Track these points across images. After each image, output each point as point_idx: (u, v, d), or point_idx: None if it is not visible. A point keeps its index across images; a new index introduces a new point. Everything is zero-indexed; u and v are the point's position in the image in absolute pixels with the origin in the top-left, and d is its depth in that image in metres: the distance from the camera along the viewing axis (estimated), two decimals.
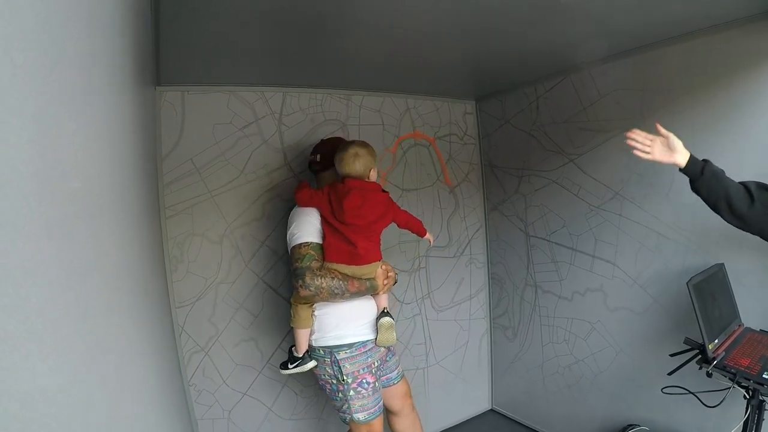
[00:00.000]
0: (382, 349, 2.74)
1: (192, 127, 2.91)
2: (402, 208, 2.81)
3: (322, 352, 2.63)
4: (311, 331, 2.65)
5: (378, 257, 2.65)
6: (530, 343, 3.93)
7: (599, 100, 3.14)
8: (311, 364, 2.67)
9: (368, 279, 2.60)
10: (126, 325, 0.90)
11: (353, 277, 2.54)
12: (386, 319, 2.67)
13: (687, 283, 2.16)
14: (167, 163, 2.85)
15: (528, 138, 3.70)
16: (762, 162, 2.42)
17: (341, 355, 2.59)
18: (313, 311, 2.64)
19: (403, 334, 3.78)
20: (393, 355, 2.91)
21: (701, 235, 2.68)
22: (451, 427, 4.14)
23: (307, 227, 2.56)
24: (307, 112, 3.30)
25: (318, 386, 3.23)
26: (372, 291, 2.62)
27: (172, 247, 2.88)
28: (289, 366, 2.71)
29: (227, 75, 2.87)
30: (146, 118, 1.98)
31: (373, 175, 2.64)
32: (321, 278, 2.45)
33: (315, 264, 2.48)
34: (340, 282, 2.49)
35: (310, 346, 2.68)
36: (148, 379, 1.15)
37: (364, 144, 2.63)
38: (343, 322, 2.62)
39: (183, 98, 2.88)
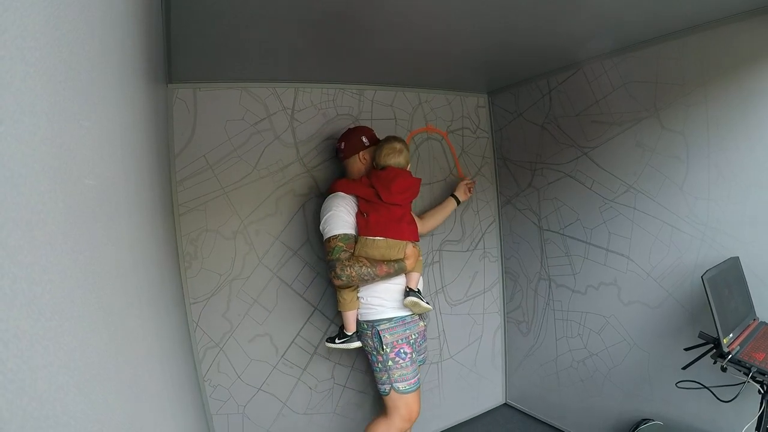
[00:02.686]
0: (421, 323, 2.94)
1: (204, 124, 2.91)
2: (415, 202, 3.04)
3: (365, 326, 2.90)
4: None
5: (414, 238, 2.90)
6: (544, 337, 3.92)
7: (612, 93, 3.11)
8: (356, 344, 2.97)
9: (396, 261, 2.78)
10: (142, 322, 0.91)
11: (382, 261, 2.75)
12: (408, 299, 2.82)
13: (702, 276, 2.15)
14: (180, 160, 2.86)
15: (541, 131, 3.68)
16: None
17: (381, 327, 2.83)
18: (358, 293, 2.90)
19: None
20: (424, 340, 3.10)
21: (716, 228, 2.66)
22: (465, 422, 4.14)
23: (336, 220, 2.77)
24: (319, 107, 3.30)
25: (333, 381, 3.30)
26: (401, 272, 2.82)
27: (186, 244, 2.89)
28: (336, 341, 3.00)
29: (239, 71, 2.88)
30: (158, 115, 1.99)
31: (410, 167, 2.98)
32: (350, 268, 2.69)
33: (344, 255, 2.72)
34: (369, 269, 2.71)
35: (357, 322, 2.96)
36: (163, 376, 1.16)
37: (403, 141, 2.97)
38: (384, 301, 2.86)
39: (195, 95, 2.89)
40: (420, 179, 3.00)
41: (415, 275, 2.89)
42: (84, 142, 0.56)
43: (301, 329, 3.28)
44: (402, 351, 2.82)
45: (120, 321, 0.69)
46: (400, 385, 2.81)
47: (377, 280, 2.80)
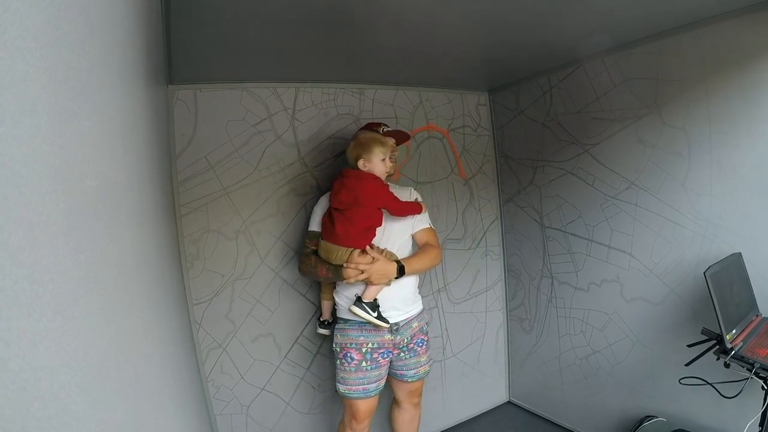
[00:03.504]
0: (387, 337, 2.80)
1: (205, 125, 2.92)
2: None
3: (337, 320, 2.93)
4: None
5: (355, 245, 2.68)
6: (547, 334, 3.92)
7: (613, 89, 3.11)
8: (323, 330, 3.12)
9: (335, 266, 2.70)
10: (143, 323, 0.91)
11: (324, 263, 2.74)
12: (352, 306, 2.73)
13: (704, 272, 2.15)
14: (181, 160, 2.86)
15: (542, 129, 3.68)
16: None
17: (337, 326, 2.90)
18: (335, 287, 2.94)
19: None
20: (414, 355, 2.93)
21: (718, 224, 2.66)
22: (468, 420, 4.14)
23: (311, 218, 2.92)
24: (319, 107, 3.30)
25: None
26: (337, 278, 2.72)
27: (188, 245, 2.89)
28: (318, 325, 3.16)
29: (239, 72, 2.88)
30: (159, 116, 1.99)
31: (362, 165, 2.73)
32: (303, 263, 2.85)
33: (306, 250, 2.87)
34: (313, 268, 2.77)
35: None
36: (165, 376, 1.16)
37: (356, 136, 2.84)
38: (347, 300, 2.82)
39: (196, 96, 2.89)
40: (375, 183, 2.71)
41: (372, 288, 2.70)
42: (85, 143, 0.56)
43: (303, 329, 3.29)
44: (348, 356, 2.79)
45: (121, 321, 0.69)
46: (340, 387, 2.83)
47: (321, 280, 2.91)
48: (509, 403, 4.40)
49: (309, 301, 3.30)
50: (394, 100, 3.64)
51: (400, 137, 2.97)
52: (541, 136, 3.69)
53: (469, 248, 4.09)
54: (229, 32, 2.22)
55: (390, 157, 2.82)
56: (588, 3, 2.23)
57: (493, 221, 4.23)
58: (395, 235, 2.86)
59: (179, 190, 2.86)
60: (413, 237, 2.95)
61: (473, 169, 4.09)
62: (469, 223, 4.07)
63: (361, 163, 2.72)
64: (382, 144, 2.72)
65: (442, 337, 3.97)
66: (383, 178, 2.75)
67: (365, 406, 2.82)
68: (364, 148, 2.72)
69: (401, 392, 3.05)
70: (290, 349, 3.25)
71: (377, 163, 2.71)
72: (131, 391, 0.70)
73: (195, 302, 2.93)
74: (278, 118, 3.15)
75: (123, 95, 0.89)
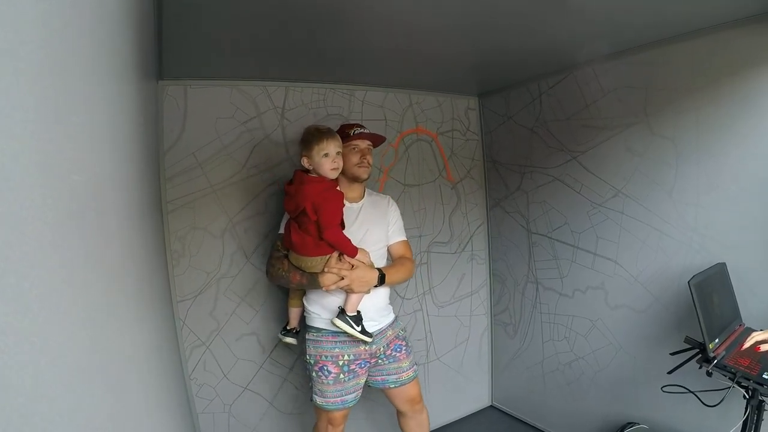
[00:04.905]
0: (363, 347, 2.70)
1: (194, 122, 2.91)
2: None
3: (308, 328, 2.80)
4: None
5: (317, 253, 2.56)
6: (531, 339, 3.93)
7: (603, 98, 3.13)
8: (288, 339, 2.95)
9: (311, 273, 2.59)
10: (129, 319, 0.90)
11: (297, 269, 2.61)
12: (335, 319, 2.60)
13: (688, 282, 2.17)
14: (169, 157, 2.85)
15: (530, 135, 3.70)
16: (762, 164, 2.42)
17: (309, 336, 2.76)
18: (305, 292, 2.80)
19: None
20: (394, 361, 2.86)
21: (703, 234, 2.68)
22: (450, 423, 4.15)
23: (283, 217, 2.81)
24: (309, 107, 3.30)
25: None
26: (314, 286, 2.60)
27: (174, 242, 2.88)
28: (281, 332, 2.99)
29: (230, 69, 2.87)
30: (148, 112, 1.98)
31: (306, 163, 2.57)
32: (273, 267, 2.72)
33: (275, 254, 2.75)
34: (285, 273, 2.64)
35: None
36: (150, 374, 1.16)
37: (306, 131, 2.64)
38: (320, 308, 2.73)
39: (185, 92, 2.88)
40: (313, 186, 2.53)
41: (353, 297, 2.60)
42: (73, 138, 0.56)
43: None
44: (325, 368, 2.69)
45: (106, 318, 0.69)
46: (318, 399, 2.74)
47: (293, 287, 2.76)
48: (492, 407, 4.41)
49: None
50: (384, 102, 3.64)
51: (375, 140, 2.87)
52: (530, 142, 3.71)
53: (455, 252, 4.10)
54: (220, 29, 2.21)
55: (360, 160, 2.73)
56: (580, 11, 2.24)
57: (480, 225, 4.24)
58: (375, 243, 2.78)
59: (166, 187, 2.85)
60: (389, 249, 2.91)
61: (461, 173, 4.09)
62: (455, 227, 4.07)
63: (304, 162, 2.57)
64: (323, 138, 2.53)
65: (426, 340, 3.98)
66: (331, 176, 2.58)
67: (340, 414, 2.77)
68: (303, 143, 2.58)
69: (398, 402, 2.97)
70: (274, 349, 3.25)
71: (320, 160, 2.52)
72: (115, 388, 0.70)
73: (179, 299, 2.91)
74: (267, 117, 3.14)
75: (112, 91, 0.89)
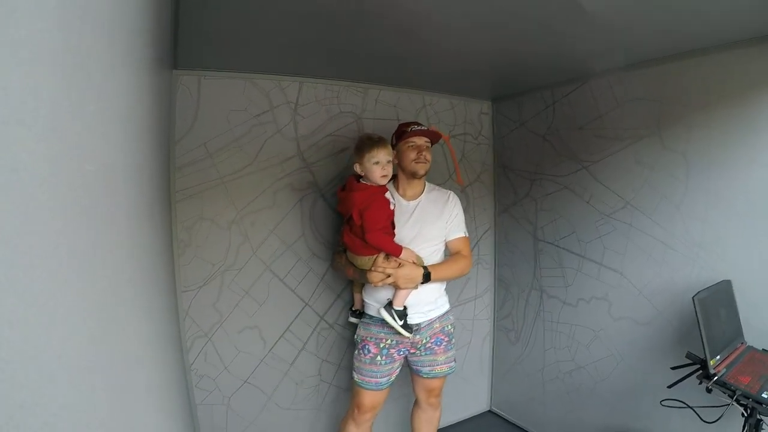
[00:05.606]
0: (409, 335, 2.79)
1: (207, 112, 2.91)
2: None
3: (364, 314, 3.03)
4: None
5: (366, 252, 2.73)
6: (532, 346, 3.92)
7: (616, 109, 3.12)
8: (352, 318, 3.18)
9: (362, 269, 2.76)
10: (134, 310, 0.90)
11: (351, 265, 2.82)
12: (381, 310, 2.76)
13: (693, 297, 2.16)
14: (180, 146, 2.85)
15: (542, 142, 3.68)
16: None
17: (363, 319, 3.00)
18: (363, 284, 3.01)
19: None
20: (430, 353, 2.96)
21: (710, 250, 2.67)
22: (448, 426, 4.14)
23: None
24: (322, 103, 3.29)
25: (319, 378, 3.40)
26: (363, 280, 2.80)
27: (181, 231, 2.88)
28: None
29: (245, 62, 2.87)
30: (162, 101, 1.98)
31: (358, 169, 2.72)
32: (333, 260, 3.02)
33: (338, 248, 3.01)
34: (342, 267, 2.89)
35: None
36: (154, 367, 1.16)
37: (358, 137, 2.83)
38: (373, 300, 2.92)
39: (199, 83, 2.88)
40: (362, 192, 2.68)
41: (402, 292, 2.75)
42: (87, 127, 0.55)
43: (290, 324, 3.28)
44: (366, 348, 2.89)
45: (113, 310, 0.69)
46: (355, 375, 2.93)
47: (349, 278, 3.02)
48: (490, 412, 4.40)
49: (298, 296, 3.29)
50: (398, 102, 3.64)
51: (432, 136, 2.94)
52: (541, 149, 3.70)
53: None
54: (238, 21, 2.21)
55: (417, 156, 2.82)
56: (597, 21, 2.23)
57: (487, 230, 4.23)
58: (428, 240, 2.88)
59: (176, 176, 2.85)
60: (447, 244, 2.98)
61: (471, 177, 4.09)
62: None
63: (357, 168, 2.72)
64: (375, 147, 2.65)
65: (454, 338, 3.97)
66: (381, 182, 2.70)
67: (370, 399, 2.89)
68: (356, 151, 2.73)
69: (419, 389, 3.10)
70: (276, 344, 3.25)
71: (370, 167, 2.65)
72: (119, 378, 0.70)
73: (183, 290, 2.91)
74: (280, 111, 3.14)
75: (128, 79, 0.89)
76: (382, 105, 3.56)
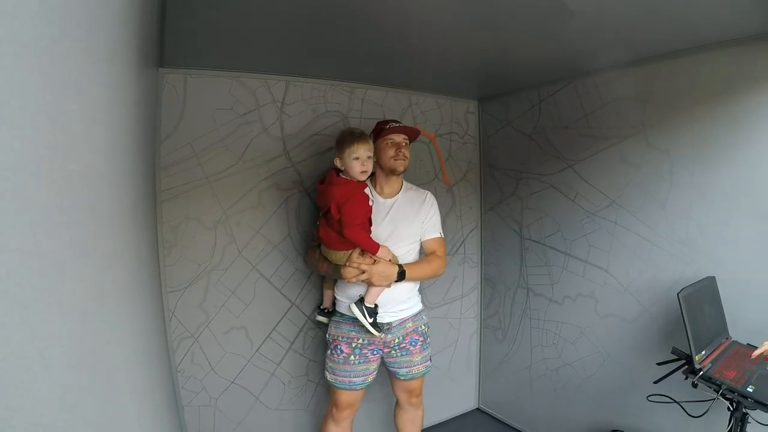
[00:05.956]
0: (379, 334, 2.76)
1: (192, 111, 2.89)
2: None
3: (335, 312, 3.01)
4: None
5: (341, 247, 2.70)
6: (519, 344, 3.94)
7: (601, 108, 3.14)
8: (320, 318, 3.17)
9: (336, 264, 2.75)
10: (119, 310, 0.90)
11: (325, 260, 2.79)
12: (351, 305, 2.74)
13: (678, 294, 2.19)
14: (166, 145, 2.83)
15: (528, 141, 3.70)
16: (758, 181, 2.43)
17: (334, 318, 2.98)
18: (336, 281, 2.99)
19: None
20: (406, 354, 2.94)
21: (694, 247, 2.69)
22: (436, 425, 4.15)
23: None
24: (309, 102, 3.29)
25: (306, 378, 3.39)
26: (337, 276, 2.79)
27: (166, 231, 2.87)
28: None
29: (231, 60, 2.86)
30: (147, 99, 1.97)
31: (338, 163, 2.71)
32: (307, 254, 3.03)
33: (312, 243, 2.98)
34: (315, 262, 2.87)
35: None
36: (138, 366, 1.15)
37: (339, 132, 2.81)
38: (344, 296, 2.89)
39: (185, 81, 2.86)
40: (341, 186, 2.64)
41: (374, 289, 2.73)
42: (70, 127, 0.55)
43: (277, 324, 3.27)
44: (338, 347, 2.86)
45: (98, 308, 0.68)
46: (328, 375, 2.91)
47: (321, 274, 2.98)
48: (478, 410, 4.41)
49: (284, 296, 3.29)
50: (384, 101, 3.64)
51: (410, 133, 2.91)
52: (527, 148, 3.71)
53: (448, 254, 4.07)
54: (225, 19, 2.20)
55: (395, 153, 2.80)
56: (583, 22, 2.25)
57: (473, 229, 4.24)
58: (404, 239, 2.87)
59: (161, 176, 2.83)
60: (422, 244, 2.97)
61: (457, 176, 4.09)
62: (449, 230, 4.06)
63: (337, 162, 2.70)
64: (355, 142, 2.63)
65: (429, 338, 3.98)
66: (360, 178, 2.68)
67: (346, 398, 2.87)
68: (337, 146, 2.72)
69: (399, 391, 3.09)
70: (262, 344, 3.24)
71: (350, 162, 2.64)
72: (104, 379, 0.69)
73: (169, 290, 2.90)
74: (266, 110, 3.13)
75: (112, 78, 0.89)
76: (368, 104, 3.55)
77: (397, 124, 2.85)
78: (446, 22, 2.29)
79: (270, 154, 3.15)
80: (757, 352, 2.15)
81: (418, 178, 3.82)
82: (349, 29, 2.40)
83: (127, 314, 1.04)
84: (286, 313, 3.30)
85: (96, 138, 0.72)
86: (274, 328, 3.27)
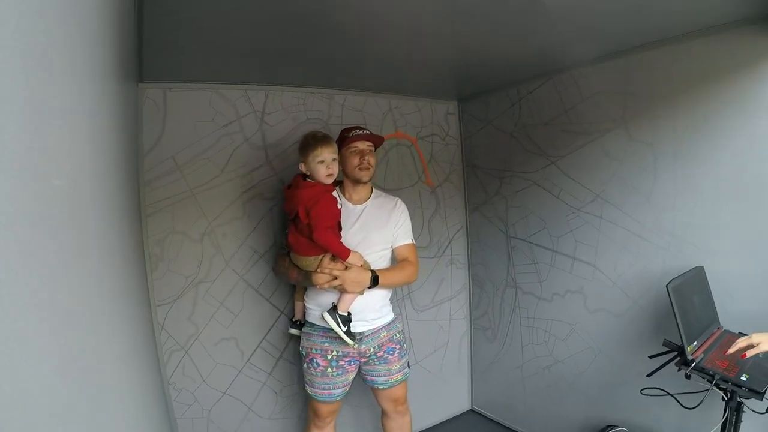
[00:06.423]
0: (353, 345, 2.72)
1: (174, 125, 2.89)
2: None
3: (306, 322, 2.93)
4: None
5: (311, 252, 2.65)
6: (510, 344, 3.94)
7: (581, 103, 3.16)
8: (292, 330, 3.08)
9: (306, 271, 2.69)
10: (107, 324, 0.89)
11: (295, 267, 2.73)
12: (324, 314, 2.67)
13: (667, 285, 2.19)
14: (148, 160, 2.83)
15: (510, 139, 3.71)
16: (738, 168, 2.46)
17: (305, 329, 2.91)
18: (306, 290, 2.91)
19: None
20: (384, 363, 2.90)
21: (681, 238, 2.71)
22: (430, 427, 4.14)
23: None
24: (289, 111, 3.29)
25: (298, 386, 3.35)
26: (309, 283, 2.72)
27: (153, 245, 2.85)
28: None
29: (210, 72, 2.86)
30: (128, 114, 1.96)
31: (303, 168, 2.65)
32: (276, 263, 2.92)
33: (281, 251, 2.90)
34: (285, 270, 2.79)
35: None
36: (129, 379, 1.14)
37: (302, 137, 2.74)
38: (315, 305, 2.82)
39: (165, 95, 2.86)
40: (307, 190, 2.60)
41: (348, 296, 2.67)
42: (54, 141, 0.55)
43: (267, 333, 3.26)
44: (314, 361, 2.81)
45: (85, 322, 0.68)
46: (308, 389, 2.88)
47: (292, 282, 2.92)
48: (472, 411, 4.41)
49: (273, 305, 3.27)
50: (364, 107, 3.64)
51: (375, 140, 2.89)
52: (509, 146, 3.72)
53: (434, 256, 4.10)
54: (201, 31, 2.20)
55: (360, 162, 2.76)
56: (559, 18, 2.26)
57: (459, 230, 4.25)
58: (374, 245, 2.83)
59: (145, 190, 2.82)
60: (393, 251, 2.93)
61: (440, 177, 4.10)
62: (434, 232, 4.08)
63: (302, 167, 2.64)
64: (318, 145, 2.58)
65: (406, 344, 3.97)
66: (326, 182, 2.62)
67: (326, 408, 2.86)
68: (300, 150, 2.66)
69: (383, 401, 3.04)
70: (253, 353, 3.23)
71: (315, 166, 2.58)
72: (94, 393, 0.69)
73: (158, 303, 2.89)
74: (247, 121, 3.13)
75: (93, 93, 0.88)
76: (348, 110, 3.55)
77: (360, 132, 2.83)
78: (419, 24, 2.29)
79: (252, 164, 3.15)
80: (732, 350, 2.12)
81: (401, 182, 3.83)
82: (321, 37, 2.41)
83: (116, 329, 1.04)
84: (275, 322, 3.29)
85: (79, 153, 0.72)
86: (263, 338, 3.25)
